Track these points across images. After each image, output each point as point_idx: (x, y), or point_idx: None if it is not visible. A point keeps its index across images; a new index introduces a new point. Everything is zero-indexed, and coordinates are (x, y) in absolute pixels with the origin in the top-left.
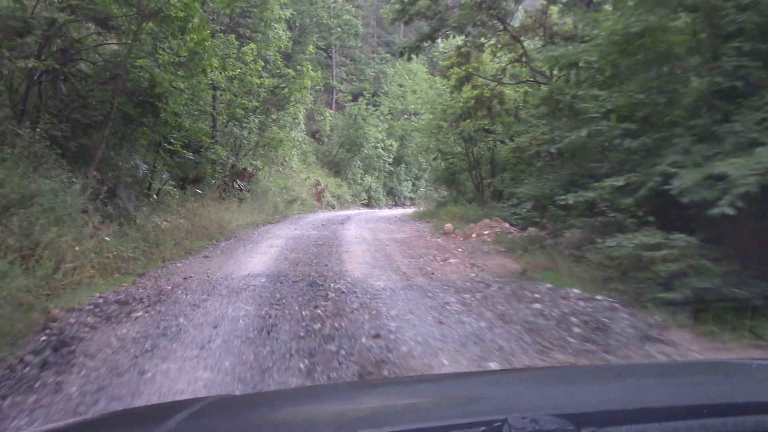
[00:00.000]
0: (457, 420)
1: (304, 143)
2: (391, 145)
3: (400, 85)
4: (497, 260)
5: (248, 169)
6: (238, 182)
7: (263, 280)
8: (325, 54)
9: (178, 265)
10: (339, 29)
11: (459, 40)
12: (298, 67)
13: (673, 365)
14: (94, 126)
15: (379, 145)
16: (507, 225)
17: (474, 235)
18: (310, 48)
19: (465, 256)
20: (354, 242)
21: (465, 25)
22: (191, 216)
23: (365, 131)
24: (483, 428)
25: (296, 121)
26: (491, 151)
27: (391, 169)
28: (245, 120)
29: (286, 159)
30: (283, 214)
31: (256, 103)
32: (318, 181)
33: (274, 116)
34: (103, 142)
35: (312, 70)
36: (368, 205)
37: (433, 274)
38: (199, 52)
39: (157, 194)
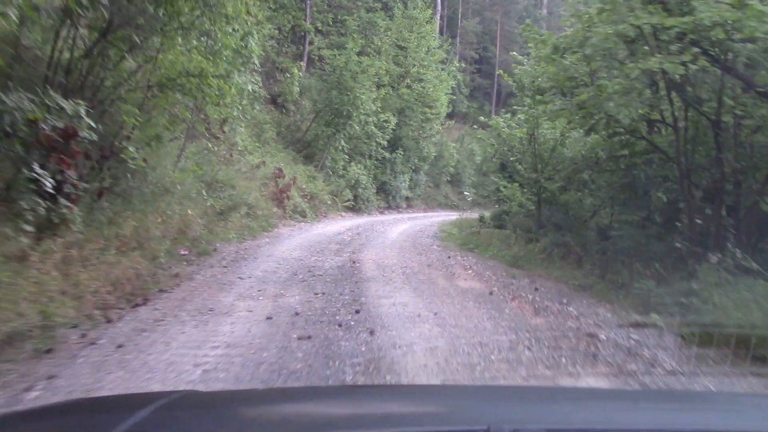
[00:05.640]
0: (437, 427)
1: (257, 104)
2: (387, 122)
3: (400, 46)
4: None
5: (79, 130)
6: (40, 174)
7: None
8: None
9: None
10: None
11: None
12: None
13: (650, 393)
14: None
15: (371, 119)
16: None
17: None
18: None
19: None
20: None
21: None
22: None
23: (355, 95)
24: None
25: (247, 56)
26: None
27: (385, 155)
28: None
29: (225, 129)
30: (200, 248)
31: None
32: (280, 169)
33: (183, 25)
34: None
35: None
36: (355, 209)
37: None
38: None
39: None
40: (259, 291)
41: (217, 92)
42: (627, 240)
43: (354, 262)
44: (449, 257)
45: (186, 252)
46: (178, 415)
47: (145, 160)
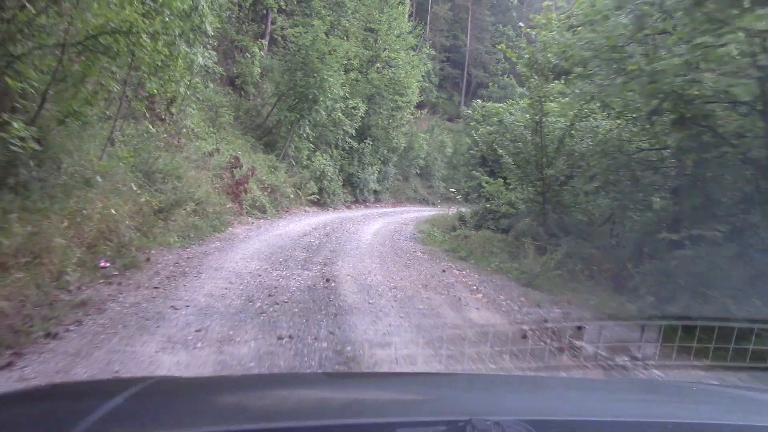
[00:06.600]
0: (420, 417)
1: (211, 82)
2: (356, 108)
3: (370, 28)
4: None
5: None
6: None
7: None
8: None
9: None
10: None
11: None
12: None
13: (635, 383)
14: None
15: (338, 105)
16: None
17: None
18: None
19: None
20: None
21: None
22: None
23: (322, 77)
24: (444, 428)
25: (198, 21)
26: None
27: (353, 145)
28: None
29: (173, 109)
30: (127, 258)
31: None
32: (237, 158)
33: None
34: None
35: None
36: (320, 204)
37: None
38: None
39: None
40: (198, 332)
41: (157, 60)
42: (700, 263)
43: (328, 280)
44: (444, 270)
45: (107, 264)
46: (153, 402)
47: (39, 142)
